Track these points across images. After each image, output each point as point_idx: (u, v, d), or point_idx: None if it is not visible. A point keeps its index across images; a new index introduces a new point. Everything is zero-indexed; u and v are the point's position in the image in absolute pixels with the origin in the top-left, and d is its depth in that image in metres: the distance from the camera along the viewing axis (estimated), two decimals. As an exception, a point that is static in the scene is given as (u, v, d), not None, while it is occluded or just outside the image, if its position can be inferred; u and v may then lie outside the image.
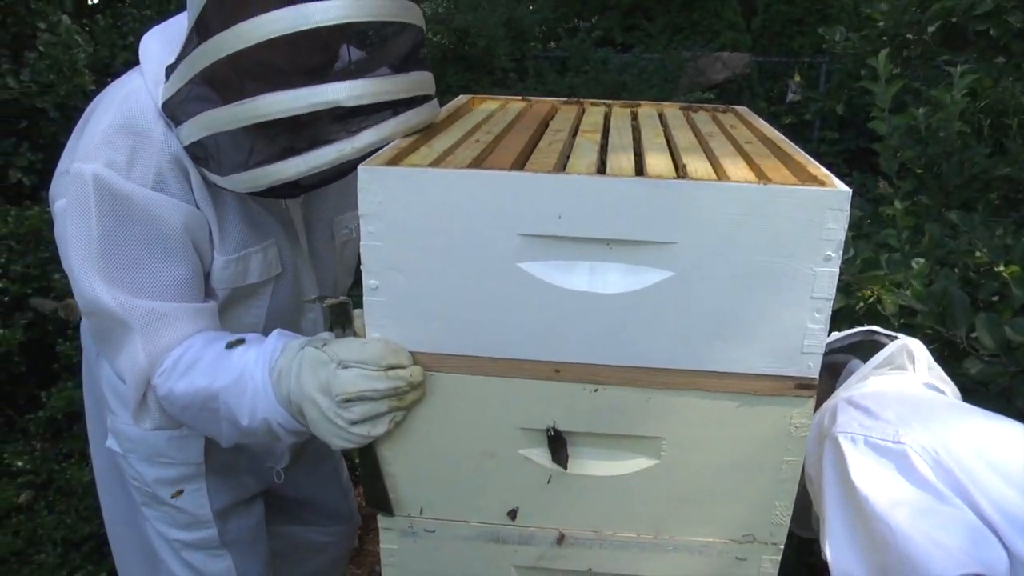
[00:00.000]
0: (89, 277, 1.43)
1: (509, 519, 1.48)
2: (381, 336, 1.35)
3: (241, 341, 1.48)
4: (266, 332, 1.51)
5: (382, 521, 1.50)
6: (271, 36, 1.27)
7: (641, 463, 1.42)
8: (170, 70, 1.44)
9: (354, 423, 1.33)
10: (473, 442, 1.43)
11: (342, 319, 1.39)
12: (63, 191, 1.49)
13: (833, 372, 1.79)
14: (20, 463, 2.91)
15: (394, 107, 1.42)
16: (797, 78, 8.71)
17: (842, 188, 1.25)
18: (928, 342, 2.42)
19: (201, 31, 1.34)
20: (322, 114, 1.33)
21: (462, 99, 1.96)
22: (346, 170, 1.38)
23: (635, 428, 1.39)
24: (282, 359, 1.39)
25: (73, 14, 3.08)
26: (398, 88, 1.41)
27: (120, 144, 1.43)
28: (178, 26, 1.50)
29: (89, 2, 3.93)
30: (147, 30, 1.59)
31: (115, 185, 1.41)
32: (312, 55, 1.36)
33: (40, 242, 2.91)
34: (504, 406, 1.39)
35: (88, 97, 2.81)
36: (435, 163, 1.34)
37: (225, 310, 1.62)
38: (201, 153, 1.41)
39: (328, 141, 1.36)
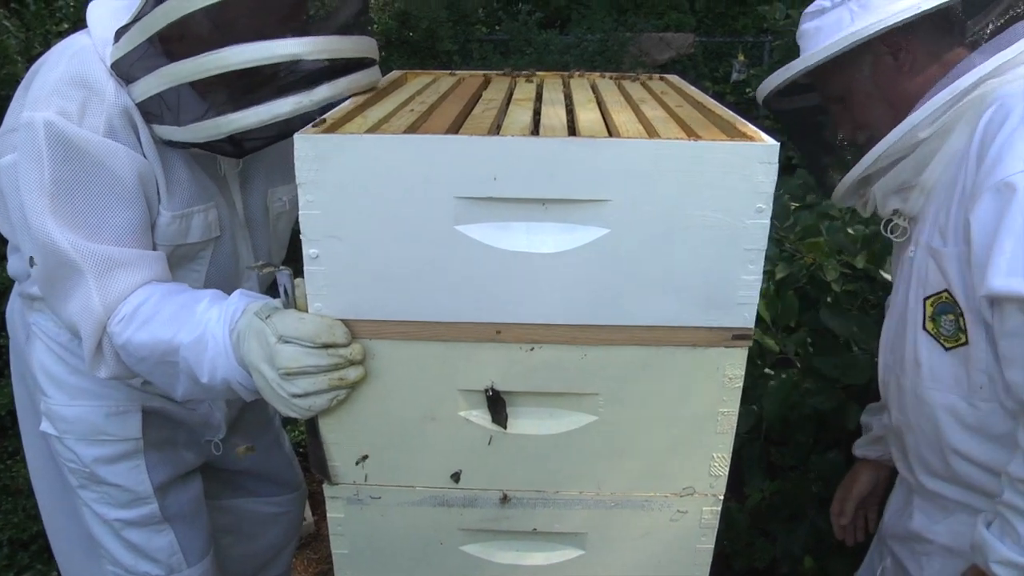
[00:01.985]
0: (42, 220, 1.42)
1: (453, 482, 1.50)
2: (318, 312, 1.36)
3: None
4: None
5: (328, 490, 1.51)
6: None
7: (579, 420, 1.44)
8: (120, 32, 1.45)
9: (296, 396, 1.34)
10: (414, 407, 1.43)
11: (282, 289, 1.38)
12: (11, 147, 1.48)
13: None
14: (-40, 464, 2.86)
15: (345, 68, 1.48)
16: (741, 57, 8.81)
17: (770, 142, 1.27)
18: (867, 305, 2.50)
19: None
20: (282, 67, 1.40)
21: (395, 74, 1.96)
22: (295, 127, 1.37)
23: (572, 385, 1.41)
24: (242, 320, 1.39)
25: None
26: (352, 47, 1.47)
27: (72, 95, 1.45)
28: None
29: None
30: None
31: (68, 131, 1.42)
32: (273, 14, 1.41)
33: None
34: (444, 369, 1.40)
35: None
36: (371, 130, 1.34)
37: None
38: (156, 109, 1.43)
39: (286, 93, 1.41)
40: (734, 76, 8.73)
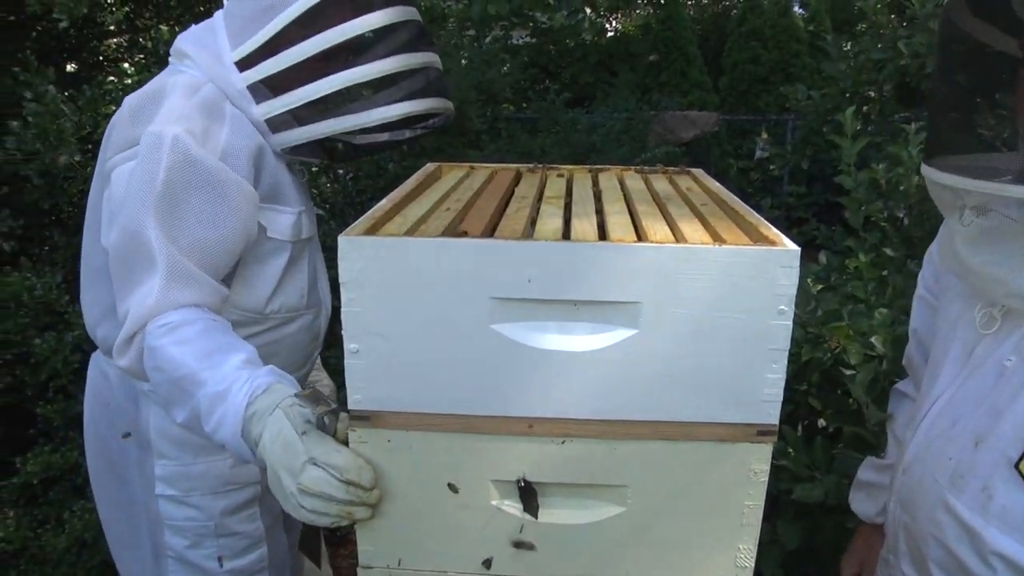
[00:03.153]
0: (141, 212, 1.53)
1: (484, 568, 1.53)
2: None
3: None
4: (309, 299, 1.87)
5: (361, 574, 1.55)
6: (377, 26, 1.73)
7: (608, 510, 1.49)
8: (244, 63, 1.73)
9: (303, 507, 1.36)
10: (448, 496, 1.48)
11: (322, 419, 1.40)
12: (129, 158, 1.61)
13: None
14: (-8, 531, 2.91)
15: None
16: (764, 135, 8.94)
17: (791, 247, 1.33)
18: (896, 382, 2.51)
19: (300, 27, 1.69)
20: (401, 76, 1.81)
21: (430, 167, 2.05)
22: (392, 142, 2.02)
23: (601, 477, 1.46)
24: (262, 399, 1.42)
25: (57, 84, 3.17)
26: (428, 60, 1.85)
27: (197, 119, 1.62)
28: (204, 31, 1.80)
29: (67, 69, 4.02)
30: (127, 95, 1.76)
31: (191, 149, 1.56)
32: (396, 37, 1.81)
33: (20, 308, 2.95)
34: (477, 460, 1.46)
35: (75, 164, 2.88)
36: (410, 232, 1.42)
37: (287, 278, 1.82)
38: (289, 118, 1.74)
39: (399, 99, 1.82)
40: (758, 154, 8.86)
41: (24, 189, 3.16)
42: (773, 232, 1.42)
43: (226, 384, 1.44)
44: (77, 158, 2.99)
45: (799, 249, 1.33)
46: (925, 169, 1.39)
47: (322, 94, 1.73)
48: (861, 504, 1.94)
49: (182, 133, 1.55)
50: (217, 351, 1.48)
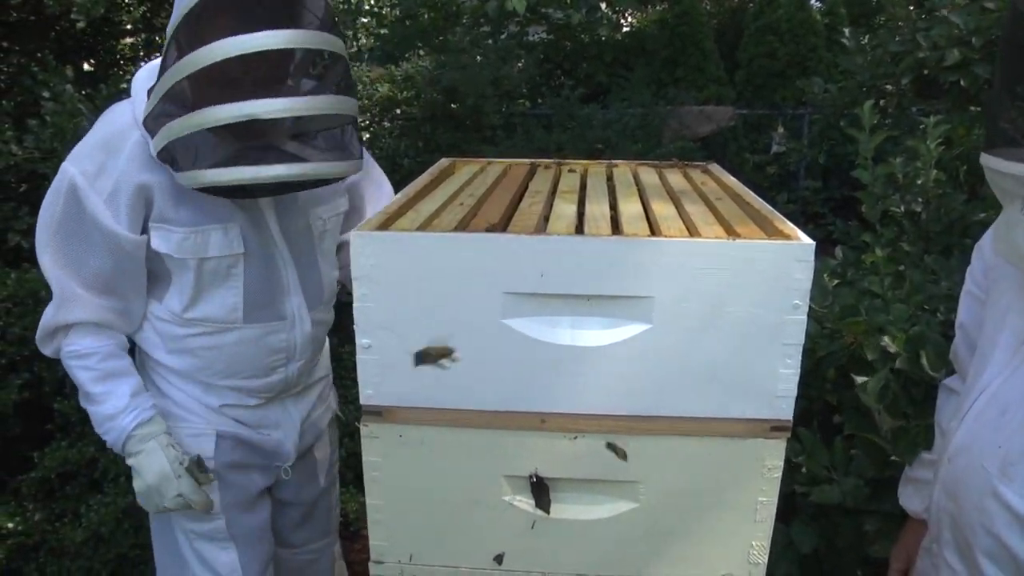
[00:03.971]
0: (41, 240, 1.77)
1: (496, 564, 1.53)
2: (368, 398, 1.46)
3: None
4: (246, 314, 1.86)
5: (373, 568, 1.55)
6: (216, 60, 1.49)
7: (620, 506, 1.48)
8: (150, 92, 1.67)
9: (162, 506, 1.84)
10: (459, 491, 1.48)
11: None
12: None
13: None
14: (11, 525, 2.92)
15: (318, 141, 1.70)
16: (780, 130, 8.87)
17: (806, 241, 1.32)
18: (908, 386, 2.49)
19: (168, 58, 1.58)
20: (245, 128, 1.56)
21: (444, 162, 2.05)
22: (290, 188, 1.68)
23: (613, 473, 1.46)
24: (143, 428, 1.83)
25: (75, 83, 3.17)
26: (305, 106, 1.56)
27: (96, 157, 1.72)
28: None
29: (84, 68, 4.03)
30: None
31: (81, 192, 1.71)
32: (247, 79, 1.56)
33: (38, 304, 2.96)
34: (489, 456, 1.46)
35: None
36: (423, 227, 1.42)
37: (205, 291, 1.84)
38: (167, 157, 1.65)
39: (252, 160, 1.59)
40: (774, 148, 8.79)
41: (42, 187, 3.17)
42: (788, 226, 1.41)
43: (116, 410, 1.82)
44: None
45: (814, 243, 1.32)
46: (985, 158, 1.38)
47: (174, 136, 1.59)
48: (909, 499, 1.89)
49: (77, 176, 1.71)
50: (111, 378, 1.83)
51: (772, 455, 1.41)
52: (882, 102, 4.48)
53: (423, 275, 1.36)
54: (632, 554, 1.50)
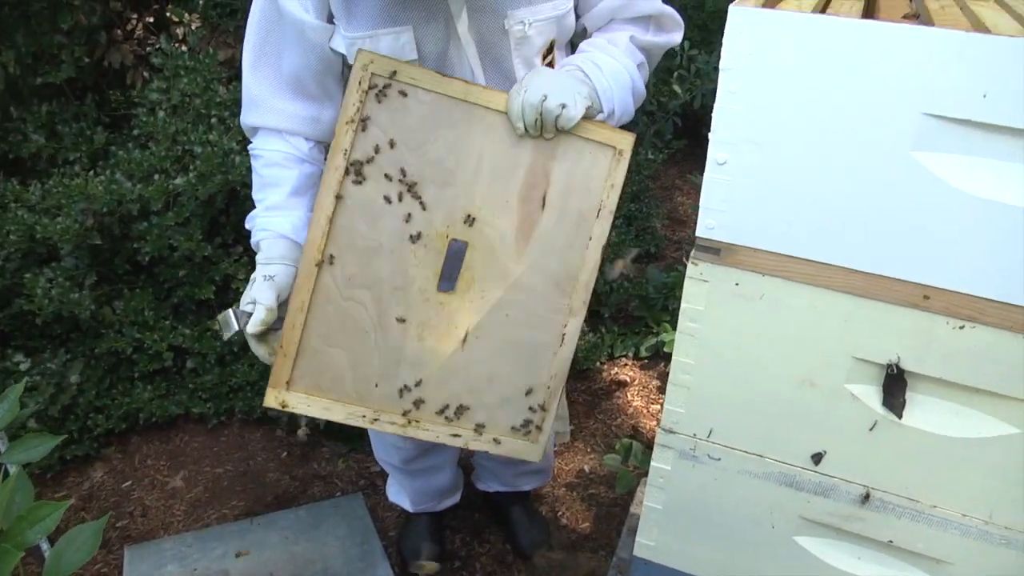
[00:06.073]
0: (246, 57, 1.79)
1: (812, 463, 1.25)
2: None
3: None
4: None
5: (660, 436, 1.30)
6: None
7: (996, 429, 1.15)
8: None
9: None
10: (793, 365, 1.19)
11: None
12: None
13: None
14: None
15: None
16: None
17: None
18: None
19: None
20: None
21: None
22: None
23: (1003, 385, 1.11)
24: (259, 255, 1.80)
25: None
26: None
27: None
28: None
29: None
30: None
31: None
32: None
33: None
34: (843, 328, 1.14)
35: None
36: (821, 9, 1.07)
37: None
38: None
39: None
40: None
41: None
42: None
43: (250, 222, 1.84)
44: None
45: None
46: None
47: None
48: None
49: None
50: (266, 187, 1.85)
51: None
52: None
53: (814, 76, 1.03)
54: (989, 491, 1.17)
